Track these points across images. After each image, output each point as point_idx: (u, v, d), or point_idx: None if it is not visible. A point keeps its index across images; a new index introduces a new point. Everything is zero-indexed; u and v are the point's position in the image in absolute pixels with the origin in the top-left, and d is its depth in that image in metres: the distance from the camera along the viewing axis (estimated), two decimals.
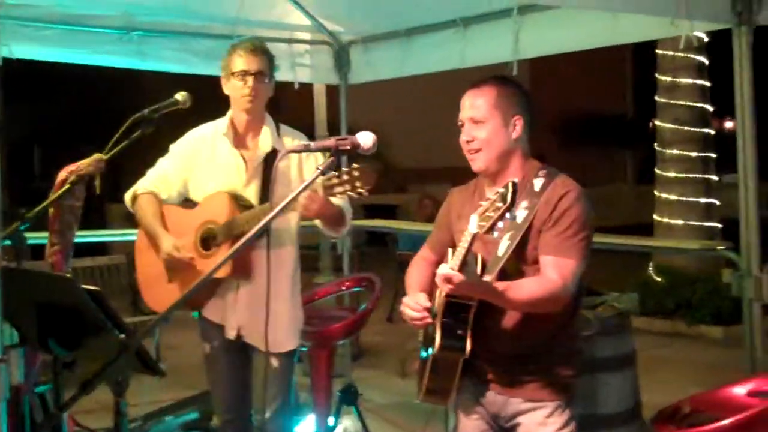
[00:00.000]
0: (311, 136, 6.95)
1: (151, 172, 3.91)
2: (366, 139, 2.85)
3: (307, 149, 2.96)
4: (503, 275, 2.78)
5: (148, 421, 5.43)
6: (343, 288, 5.15)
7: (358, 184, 2.94)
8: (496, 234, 2.69)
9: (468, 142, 2.93)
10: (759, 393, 2.96)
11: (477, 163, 2.94)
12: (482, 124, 2.90)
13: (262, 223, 2.60)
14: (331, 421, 4.70)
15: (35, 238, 3.85)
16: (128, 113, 3.49)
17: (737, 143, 4.40)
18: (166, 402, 5.89)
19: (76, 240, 3.67)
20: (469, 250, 2.65)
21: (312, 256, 7.47)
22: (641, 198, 17.96)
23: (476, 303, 2.77)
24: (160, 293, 3.83)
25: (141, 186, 3.87)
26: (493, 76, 2.99)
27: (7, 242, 3.02)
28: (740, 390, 3.03)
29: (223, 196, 3.70)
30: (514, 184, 2.58)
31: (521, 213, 2.81)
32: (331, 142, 2.83)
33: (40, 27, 5.54)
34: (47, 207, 3.38)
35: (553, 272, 2.76)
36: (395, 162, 18.41)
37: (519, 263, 2.83)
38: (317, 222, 3.71)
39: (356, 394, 4.72)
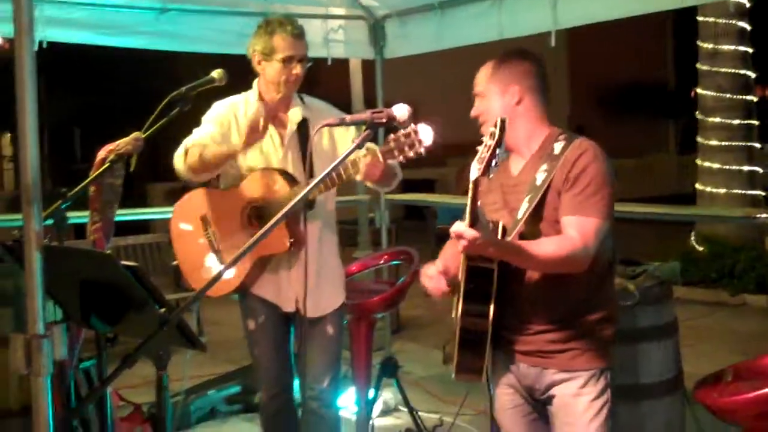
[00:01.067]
0: (348, 112, 6.97)
1: (193, 134, 3.81)
2: (402, 111, 2.84)
3: (342, 123, 2.96)
4: (522, 239, 2.76)
5: (190, 395, 5.50)
6: (381, 261, 5.16)
7: (416, 144, 2.99)
8: (491, 175, 2.66)
9: (475, 116, 2.99)
10: None
11: (485, 134, 2.96)
12: (482, 97, 2.98)
13: (303, 193, 2.60)
14: (371, 393, 4.71)
15: (77, 217, 3.90)
16: (166, 93, 3.48)
17: None
18: (208, 376, 5.96)
19: (118, 218, 3.70)
20: (474, 198, 2.59)
21: (351, 231, 7.50)
22: (683, 168, 17.75)
23: (497, 266, 2.73)
24: (207, 276, 3.75)
25: (189, 142, 3.76)
26: (502, 51, 3.02)
27: (49, 221, 3.06)
28: None
29: (271, 173, 3.68)
30: (502, 120, 2.59)
31: (540, 175, 2.80)
32: (366, 115, 2.83)
33: (72, 10, 5.53)
34: (87, 186, 3.41)
35: (574, 231, 2.72)
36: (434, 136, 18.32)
37: (538, 225, 2.80)
38: (369, 183, 3.68)
39: (396, 366, 4.73)
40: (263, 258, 3.71)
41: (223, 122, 3.82)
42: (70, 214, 3.27)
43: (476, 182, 2.59)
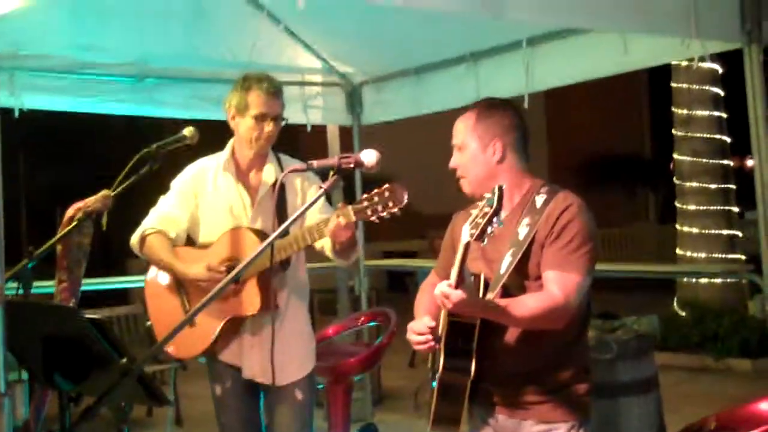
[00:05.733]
0: (325, 178, 6.98)
1: (154, 212, 3.80)
2: (369, 156, 2.83)
3: (309, 168, 2.94)
4: (506, 293, 2.76)
5: None
6: (358, 323, 5.09)
7: (390, 203, 2.93)
8: (486, 241, 2.64)
9: (454, 168, 2.97)
10: None
11: (464, 188, 2.98)
12: (462, 150, 2.94)
13: (266, 243, 2.56)
14: None
15: (43, 287, 3.82)
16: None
17: (754, 159, 4.33)
18: None
19: (96, 288, 3.64)
20: (463, 261, 2.60)
21: (330, 299, 7.42)
22: (664, 236, 17.82)
23: (479, 322, 2.73)
24: (184, 339, 3.63)
25: (148, 226, 3.76)
26: (479, 101, 3.00)
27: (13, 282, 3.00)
28: (765, 406, 2.96)
29: (243, 231, 3.64)
30: (500, 188, 2.59)
31: (523, 230, 2.79)
32: (334, 160, 2.81)
33: (54, 77, 5.58)
34: (55, 245, 3.36)
35: (556, 287, 2.72)
36: (415, 207, 18.40)
37: (522, 280, 2.79)
38: (329, 251, 3.62)
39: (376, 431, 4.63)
40: (234, 320, 3.64)
41: (187, 194, 3.78)
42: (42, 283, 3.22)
43: (467, 246, 2.59)
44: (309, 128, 6.60)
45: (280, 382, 3.67)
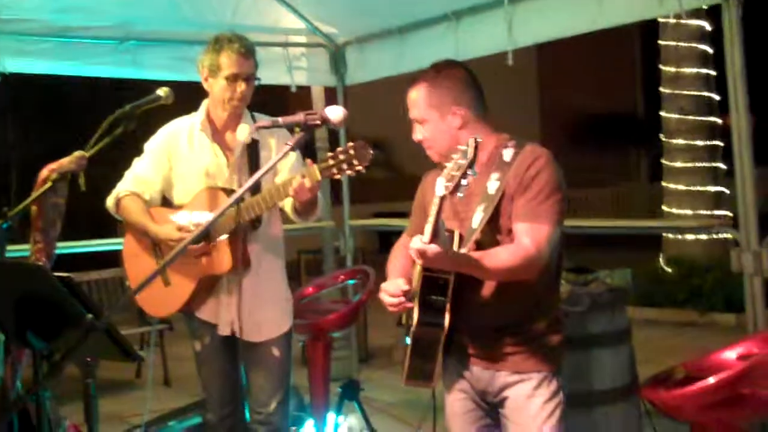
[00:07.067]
0: (311, 140, 7.00)
1: (129, 174, 3.84)
2: (336, 113, 2.85)
3: (275, 125, 2.95)
4: (479, 248, 2.77)
5: (151, 426, 5.40)
6: (338, 281, 5.12)
7: (355, 162, 2.93)
8: (461, 194, 2.66)
9: (419, 141, 2.98)
10: (748, 356, 2.94)
11: (433, 158, 2.99)
12: (422, 123, 2.94)
13: (230, 201, 2.58)
14: (331, 416, 4.65)
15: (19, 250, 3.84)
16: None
17: (731, 115, 4.34)
18: None
19: (81, 250, 3.65)
20: (438, 215, 2.61)
21: (316, 260, 7.45)
22: (654, 195, 17.86)
23: (453, 276, 2.75)
24: (160, 298, 3.77)
25: (122, 188, 3.80)
26: (426, 69, 2.97)
27: None
28: (731, 354, 3.01)
29: (216, 191, 3.66)
30: (476, 140, 2.59)
31: (493, 184, 2.80)
32: (299, 116, 2.82)
33: (35, 41, 5.56)
34: (29, 206, 3.37)
35: (527, 239, 2.74)
36: (404, 169, 18.39)
37: (494, 234, 2.81)
38: (289, 210, 3.65)
39: (358, 388, 4.68)
40: (208, 278, 3.67)
41: (161, 156, 3.80)
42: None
43: (442, 199, 2.60)
44: (294, 89, 6.58)
45: (257, 339, 3.73)
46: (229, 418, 3.85)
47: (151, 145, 3.85)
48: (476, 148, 2.58)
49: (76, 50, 5.72)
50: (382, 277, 3.09)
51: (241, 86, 3.65)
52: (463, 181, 2.59)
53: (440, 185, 2.60)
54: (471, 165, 2.58)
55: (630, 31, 21.06)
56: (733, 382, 2.62)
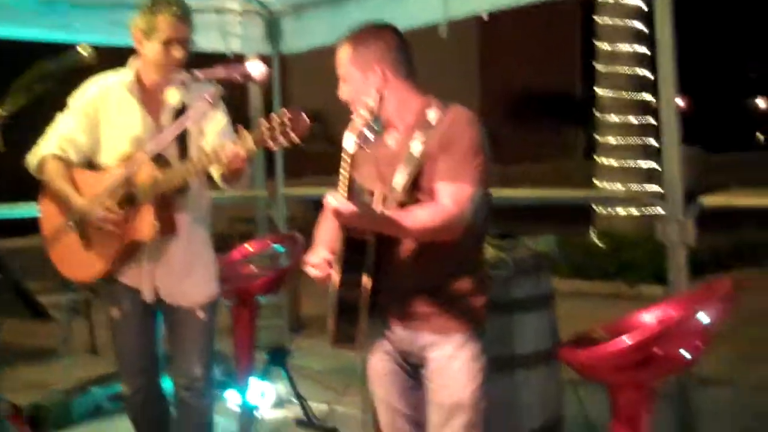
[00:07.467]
0: (246, 109, 6.90)
1: (54, 133, 3.69)
2: (257, 68, 2.79)
3: (194, 79, 2.88)
4: (402, 208, 2.76)
5: (72, 393, 5.34)
6: (264, 247, 5.08)
7: (289, 131, 2.85)
8: (369, 148, 2.64)
9: (345, 100, 2.97)
10: (666, 318, 2.99)
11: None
12: (346, 81, 2.94)
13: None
14: (256, 382, 4.63)
15: None
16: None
17: (659, 90, 4.38)
18: None
19: (9, 216, 3.51)
20: (350, 172, 2.60)
21: (249, 229, 7.38)
22: (590, 172, 18.09)
23: (374, 237, 2.74)
24: (79, 263, 3.68)
25: (46, 149, 3.66)
26: (354, 29, 2.96)
27: None
28: (649, 316, 3.06)
29: (141, 156, 3.56)
30: (378, 92, 2.61)
31: (416, 145, 2.80)
32: (219, 71, 2.76)
33: None
34: None
35: (448, 199, 2.74)
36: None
37: (417, 195, 2.80)
38: (217, 177, 3.55)
39: (285, 354, 4.67)
40: (131, 244, 3.59)
41: (90, 116, 3.68)
42: None
43: (351, 154, 2.58)
44: (231, 56, 6.46)
45: (182, 304, 3.69)
46: (142, 391, 3.80)
47: (78, 103, 3.71)
48: (380, 99, 2.58)
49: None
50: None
51: (177, 51, 3.55)
52: (370, 135, 2.57)
53: (348, 140, 2.58)
54: (375, 116, 2.56)
55: (572, 7, 21.26)
56: (648, 342, 2.66)
